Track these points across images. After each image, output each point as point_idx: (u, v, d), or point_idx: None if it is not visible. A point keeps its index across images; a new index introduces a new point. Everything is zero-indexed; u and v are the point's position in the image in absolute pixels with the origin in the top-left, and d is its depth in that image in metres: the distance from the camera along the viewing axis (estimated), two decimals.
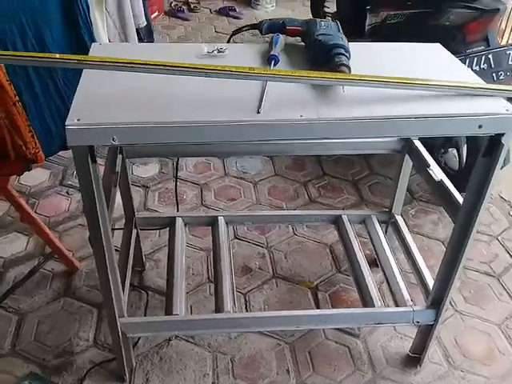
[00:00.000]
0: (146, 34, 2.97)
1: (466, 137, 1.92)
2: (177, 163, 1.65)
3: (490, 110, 0.97)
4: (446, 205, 1.30)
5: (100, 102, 0.96)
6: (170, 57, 0.95)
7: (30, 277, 1.71)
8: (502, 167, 1.17)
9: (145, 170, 2.25)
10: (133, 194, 1.61)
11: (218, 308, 1.34)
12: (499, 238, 1.99)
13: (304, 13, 4.01)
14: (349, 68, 1.04)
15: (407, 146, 1.49)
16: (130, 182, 2.03)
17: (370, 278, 1.47)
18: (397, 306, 1.40)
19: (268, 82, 1.01)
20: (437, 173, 1.34)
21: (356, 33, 2.28)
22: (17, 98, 1.31)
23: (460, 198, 1.22)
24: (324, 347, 1.53)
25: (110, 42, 2.24)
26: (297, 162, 2.35)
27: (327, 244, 1.91)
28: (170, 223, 1.61)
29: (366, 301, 1.40)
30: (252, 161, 2.34)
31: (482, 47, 1.96)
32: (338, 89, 1.02)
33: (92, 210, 1.01)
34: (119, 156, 1.39)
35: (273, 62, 1.12)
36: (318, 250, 1.88)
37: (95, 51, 1.16)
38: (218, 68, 0.95)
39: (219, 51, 1.16)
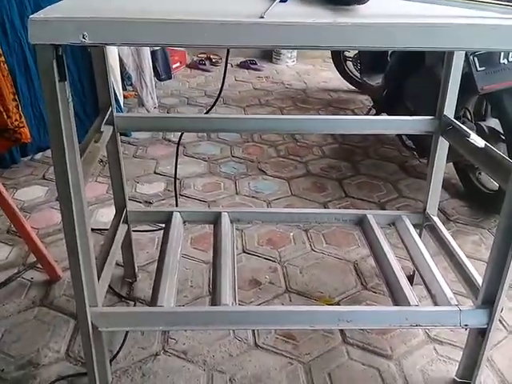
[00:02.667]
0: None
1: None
2: (178, 142, 1.46)
3: None
4: (495, 172, 1.06)
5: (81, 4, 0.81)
6: None
7: (6, 284, 1.49)
8: None
9: (149, 187, 2.08)
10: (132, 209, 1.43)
11: (215, 301, 1.08)
12: None
13: (324, 68, 4.02)
14: None
15: (442, 125, 1.29)
16: (131, 199, 1.85)
17: (403, 275, 1.19)
18: (435, 303, 1.11)
19: None
20: (478, 140, 1.12)
21: None
22: (2, 58, 1.19)
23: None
24: (348, 369, 1.21)
25: None
26: (316, 184, 2.14)
27: (351, 261, 1.64)
28: (166, 219, 1.39)
29: (398, 298, 1.12)
30: (266, 182, 2.15)
31: None
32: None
33: (57, 142, 0.82)
34: (109, 127, 1.23)
35: None
36: (339, 265, 1.61)
37: None
38: None
39: None
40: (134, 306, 1.40)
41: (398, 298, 1.12)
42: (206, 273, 1.56)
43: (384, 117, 1.45)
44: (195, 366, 1.21)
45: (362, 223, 1.42)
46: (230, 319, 1.04)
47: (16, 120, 1.26)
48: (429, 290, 1.18)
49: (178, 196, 1.54)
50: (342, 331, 1.32)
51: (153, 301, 1.07)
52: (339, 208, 1.97)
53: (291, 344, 1.28)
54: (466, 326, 1.06)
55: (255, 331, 1.32)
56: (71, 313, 1.37)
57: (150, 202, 1.96)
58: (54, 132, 0.82)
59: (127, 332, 1.27)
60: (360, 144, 2.54)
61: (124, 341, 1.26)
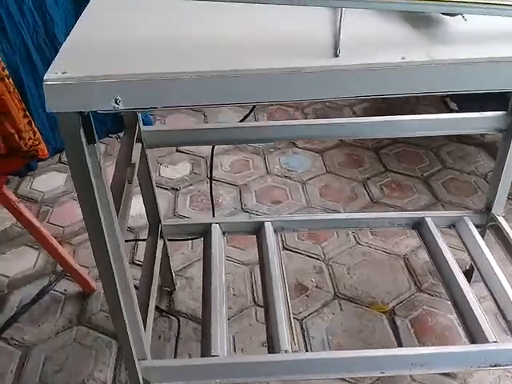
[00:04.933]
0: None
1: None
2: (211, 157, 1.32)
3: None
4: None
5: (99, 49, 0.63)
6: None
7: (38, 300, 1.41)
8: None
9: (174, 170, 1.93)
10: (160, 199, 1.30)
11: (272, 345, 0.99)
12: None
13: None
14: None
15: None
16: (157, 185, 1.73)
17: (474, 300, 1.08)
18: None
19: (345, 11, 0.67)
20: None
21: None
22: (6, 71, 1.01)
23: None
24: None
25: None
26: (352, 157, 1.98)
27: (400, 255, 1.53)
28: (204, 231, 1.27)
29: (473, 332, 1.02)
30: (297, 157, 1.99)
31: None
32: (450, 21, 0.67)
33: (93, 216, 0.69)
34: (137, 145, 1.07)
35: None
36: (389, 262, 1.50)
37: None
38: None
39: None
40: (178, 323, 1.32)
41: (473, 331, 1.02)
42: (248, 277, 1.46)
43: (447, 115, 1.27)
44: None
45: (419, 227, 1.29)
46: (290, 369, 0.96)
47: (30, 139, 1.10)
48: (499, 308, 1.08)
49: (214, 204, 1.40)
50: (400, 347, 1.25)
51: (204, 349, 0.97)
52: (379, 185, 1.83)
53: None
54: None
55: (309, 351, 1.24)
56: (112, 333, 1.30)
57: (178, 189, 1.83)
58: (87, 208, 0.68)
59: None
60: (394, 102, 2.33)
61: None
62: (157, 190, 1.22)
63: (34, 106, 1.32)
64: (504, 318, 1.07)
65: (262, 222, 1.27)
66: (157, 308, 1.36)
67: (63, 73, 0.58)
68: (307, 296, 1.40)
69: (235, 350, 1.25)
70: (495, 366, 0.97)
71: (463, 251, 1.28)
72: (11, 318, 1.35)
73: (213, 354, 0.96)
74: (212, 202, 1.39)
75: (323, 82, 0.60)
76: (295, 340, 1.02)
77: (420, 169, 1.92)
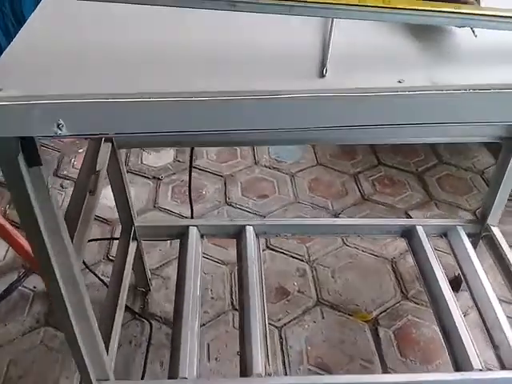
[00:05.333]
0: None
1: None
2: (191, 152, 1.23)
3: None
4: None
5: (42, 63, 0.54)
6: None
7: (6, 297, 1.34)
8: None
9: (157, 157, 1.84)
10: (141, 188, 1.22)
11: (245, 367, 0.93)
12: None
13: None
14: None
15: None
16: (138, 174, 1.65)
17: (462, 323, 1.02)
18: (501, 362, 0.95)
19: (336, 21, 0.57)
20: None
21: None
22: None
23: None
24: None
25: None
26: (344, 148, 1.89)
27: (388, 258, 1.46)
28: (181, 234, 1.19)
29: (458, 358, 0.96)
30: (288, 147, 1.89)
31: None
32: (458, 35, 0.57)
33: (40, 247, 0.61)
34: (106, 145, 0.98)
35: None
36: (375, 266, 1.44)
37: None
38: None
39: None
40: (150, 327, 1.26)
41: (458, 355, 0.96)
42: (228, 278, 1.39)
43: None
44: None
45: (409, 235, 1.22)
46: None
47: None
48: (487, 328, 1.02)
49: (192, 196, 1.31)
50: (382, 361, 1.19)
51: (173, 370, 0.91)
52: (371, 180, 1.75)
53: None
54: None
55: (286, 363, 1.19)
56: None
57: (159, 178, 1.74)
58: (35, 241, 0.60)
59: None
60: None
61: None
62: (138, 179, 1.13)
63: None
64: (492, 342, 1.00)
65: (244, 226, 1.20)
66: (130, 310, 1.30)
67: None
68: (288, 301, 1.33)
69: (209, 359, 1.19)
70: None
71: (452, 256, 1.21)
72: None
73: (181, 377, 0.90)
74: (190, 202, 1.30)
75: (305, 108, 0.51)
76: (269, 358, 0.96)
77: (415, 163, 1.83)
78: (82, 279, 0.71)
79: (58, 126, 0.49)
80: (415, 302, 1.33)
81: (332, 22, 0.58)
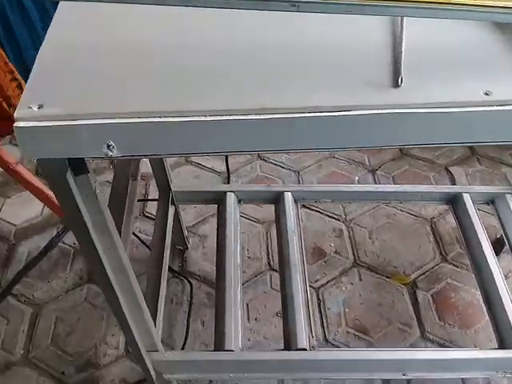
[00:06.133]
0: None
1: None
2: None
3: None
4: None
5: (81, 74, 0.48)
6: None
7: (46, 253, 1.37)
8: None
9: None
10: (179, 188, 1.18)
11: (289, 341, 0.94)
12: None
13: None
14: None
15: None
16: None
17: (506, 291, 1.00)
18: None
19: (406, 19, 0.50)
20: None
21: None
22: None
23: None
24: None
25: None
26: None
27: (427, 219, 1.43)
28: (218, 199, 1.17)
29: (503, 337, 0.95)
30: None
31: None
32: None
33: (89, 251, 0.59)
34: None
35: None
36: (414, 226, 1.41)
37: None
38: None
39: None
40: (190, 287, 1.28)
41: (502, 333, 0.95)
42: (264, 238, 1.39)
43: None
44: None
45: (454, 202, 1.18)
46: (309, 367, 0.91)
47: None
48: None
49: (229, 172, 1.28)
50: (420, 324, 1.20)
51: (218, 342, 0.93)
52: None
53: (365, 341, 1.18)
54: None
55: (324, 324, 1.21)
56: None
57: None
58: (84, 244, 0.58)
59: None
60: None
61: None
62: None
63: (25, 46, 1.15)
64: None
65: (282, 192, 1.17)
66: (169, 268, 1.31)
67: (39, 107, 0.45)
68: (325, 262, 1.33)
69: (249, 320, 1.22)
70: None
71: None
72: (20, 272, 1.32)
73: (226, 349, 0.91)
74: (227, 168, 1.27)
75: (378, 125, 0.46)
76: (312, 328, 0.97)
77: None
78: (131, 269, 0.70)
79: (109, 147, 0.45)
80: (454, 265, 1.32)
81: (402, 21, 0.50)
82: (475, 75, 0.48)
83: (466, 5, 0.46)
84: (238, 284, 1.04)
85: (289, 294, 1.02)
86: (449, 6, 0.46)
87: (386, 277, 1.30)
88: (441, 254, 1.35)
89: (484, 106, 0.45)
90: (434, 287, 1.28)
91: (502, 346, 0.95)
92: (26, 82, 0.48)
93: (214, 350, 0.92)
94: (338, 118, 0.45)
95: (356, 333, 1.19)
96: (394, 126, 0.46)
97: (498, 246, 1.27)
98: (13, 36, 1.23)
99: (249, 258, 1.35)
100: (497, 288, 1.02)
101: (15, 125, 0.43)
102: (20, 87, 0.94)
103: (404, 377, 0.91)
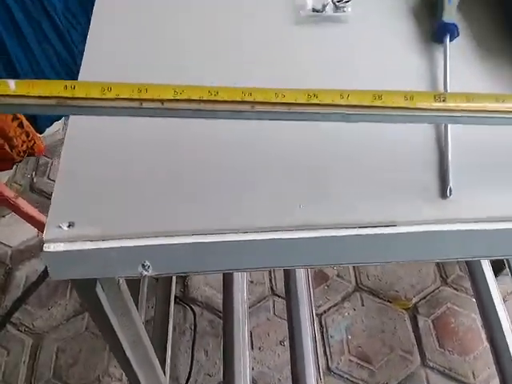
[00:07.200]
0: None
1: None
2: None
3: None
4: None
5: (110, 185, 0.45)
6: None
7: (45, 278, 1.34)
8: None
9: None
10: None
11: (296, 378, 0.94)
12: None
13: None
14: None
15: None
16: None
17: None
18: None
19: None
20: None
21: None
22: None
23: None
24: None
25: None
26: None
27: None
28: None
29: (506, 376, 0.97)
30: None
31: None
32: None
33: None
34: None
35: (447, 39, 0.56)
36: None
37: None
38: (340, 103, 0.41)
39: (337, 7, 0.60)
40: (193, 314, 1.27)
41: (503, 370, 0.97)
42: None
43: None
44: None
45: None
46: None
47: (24, 142, 0.92)
48: None
49: None
50: (421, 351, 1.22)
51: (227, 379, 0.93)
52: None
53: (367, 370, 1.20)
54: None
55: (327, 353, 1.22)
56: None
57: None
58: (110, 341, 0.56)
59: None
60: None
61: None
62: None
63: (24, 72, 1.10)
64: None
65: None
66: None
67: (69, 225, 0.42)
68: (327, 286, 1.34)
69: (252, 348, 1.22)
70: None
71: None
72: (19, 299, 1.30)
73: None
74: None
75: (424, 241, 0.44)
76: (320, 370, 0.98)
77: None
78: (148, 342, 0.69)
79: (144, 266, 0.43)
80: (455, 288, 1.33)
81: (447, 128, 0.48)
82: None
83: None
84: (246, 320, 1.04)
85: (296, 327, 1.02)
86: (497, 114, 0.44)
87: (388, 301, 1.31)
88: (441, 276, 1.36)
89: None
90: (434, 312, 1.29)
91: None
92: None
93: None
94: (385, 235, 0.44)
95: (358, 361, 1.21)
96: (441, 240, 0.45)
97: (497, 267, 1.29)
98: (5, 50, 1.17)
99: (251, 282, 1.34)
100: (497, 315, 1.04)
101: (45, 249, 0.41)
102: (21, 125, 0.90)
103: None
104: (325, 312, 1.29)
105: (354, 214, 0.44)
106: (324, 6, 0.60)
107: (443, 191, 0.45)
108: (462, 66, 0.55)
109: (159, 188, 0.45)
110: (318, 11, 0.60)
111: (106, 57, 0.56)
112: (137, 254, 0.42)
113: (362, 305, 1.30)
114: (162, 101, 0.40)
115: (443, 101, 0.43)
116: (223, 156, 0.48)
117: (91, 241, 0.42)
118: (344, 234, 0.43)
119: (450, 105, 0.42)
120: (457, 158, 0.47)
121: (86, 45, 0.55)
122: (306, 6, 0.60)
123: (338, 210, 0.44)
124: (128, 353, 0.61)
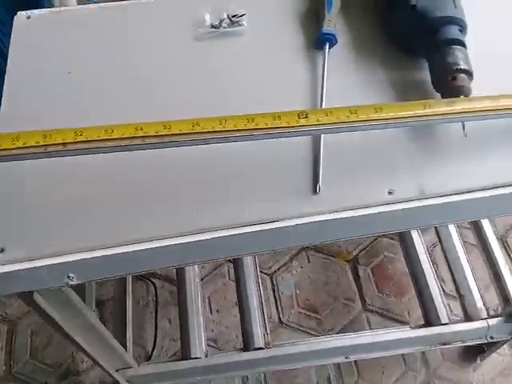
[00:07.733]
0: None
1: None
2: None
3: None
4: None
5: (36, 209, 0.54)
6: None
7: None
8: None
9: None
10: None
11: (247, 342, 1.07)
12: None
13: None
14: (469, 77, 0.58)
15: None
16: None
17: (436, 285, 1.15)
18: (466, 315, 1.12)
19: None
20: None
21: None
22: None
23: None
24: None
25: None
26: None
27: None
28: None
29: (429, 314, 1.11)
30: None
31: None
32: (451, 130, 0.58)
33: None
34: None
35: (327, 47, 0.64)
36: None
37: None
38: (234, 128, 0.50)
39: (232, 22, 0.67)
40: (154, 288, 1.38)
41: (429, 314, 1.11)
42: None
43: None
44: None
45: None
46: (267, 363, 1.06)
47: None
48: (457, 289, 1.16)
49: None
50: (361, 298, 1.37)
51: (185, 352, 1.05)
52: None
53: (315, 319, 1.34)
54: (492, 338, 1.10)
55: (279, 308, 1.35)
56: (97, 302, 1.36)
57: None
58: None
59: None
60: None
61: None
62: None
63: None
64: (457, 290, 1.16)
65: None
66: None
67: (1, 250, 0.51)
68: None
69: (211, 312, 1.35)
70: (445, 344, 1.10)
71: None
72: None
73: (193, 357, 1.04)
74: None
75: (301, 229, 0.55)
76: (266, 328, 1.10)
77: None
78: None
79: (69, 277, 0.52)
80: (390, 238, 1.47)
81: (320, 138, 0.57)
82: (383, 175, 0.56)
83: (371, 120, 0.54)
84: (198, 286, 1.16)
85: (243, 289, 1.14)
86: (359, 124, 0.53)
87: (332, 256, 1.44)
88: None
89: (388, 203, 0.54)
90: (373, 261, 1.43)
91: (426, 320, 1.12)
92: None
93: (182, 359, 1.05)
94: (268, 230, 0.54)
95: (307, 312, 1.35)
96: (316, 228, 0.55)
97: None
98: None
99: None
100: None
101: None
102: None
103: (347, 360, 1.08)
104: (275, 272, 1.42)
105: (245, 215, 0.53)
106: (221, 22, 0.66)
107: (314, 187, 0.55)
108: (340, 72, 0.64)
109: (73, 211, 0.54)
110: (215, 27, 0.66)
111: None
112: (61, 268, 0.51)
113: (308, 262, 1.43)
114: (64, 144, 0.47)
115: (305, 117, 0.52)
116: (126, 179, 0.57)
117: (20, 262, 0.50)
118: (241, 231, 0.53)
119: (312, 120, 0.52)
120: (327, 161, 0.57)
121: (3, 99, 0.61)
122: (205, 23, 0.67)
123: (230, 214, 0.54)
124: (81, 342, 0.71)
